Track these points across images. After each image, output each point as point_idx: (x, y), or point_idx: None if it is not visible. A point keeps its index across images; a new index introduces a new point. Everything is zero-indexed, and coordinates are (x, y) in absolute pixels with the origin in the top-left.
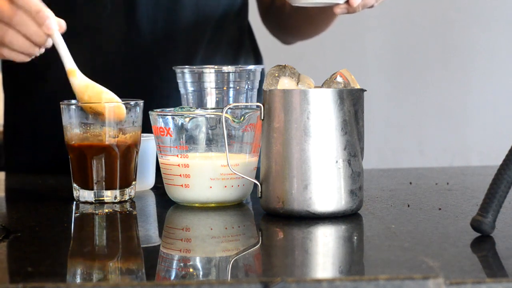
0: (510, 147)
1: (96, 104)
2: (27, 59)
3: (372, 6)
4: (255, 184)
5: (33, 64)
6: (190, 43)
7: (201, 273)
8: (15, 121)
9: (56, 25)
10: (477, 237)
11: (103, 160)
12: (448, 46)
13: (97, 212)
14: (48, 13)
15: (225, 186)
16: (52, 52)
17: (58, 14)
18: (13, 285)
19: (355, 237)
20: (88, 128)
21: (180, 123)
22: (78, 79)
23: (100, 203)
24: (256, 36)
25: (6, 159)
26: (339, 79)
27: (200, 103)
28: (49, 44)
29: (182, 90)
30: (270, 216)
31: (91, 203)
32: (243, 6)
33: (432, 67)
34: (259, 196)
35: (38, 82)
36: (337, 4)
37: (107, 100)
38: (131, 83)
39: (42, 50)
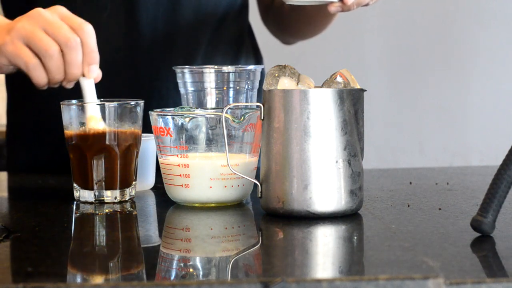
0: (510, 147)
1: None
2: (43, 83)
3: (367, 4)
4: (255, 184)
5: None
6: (190, 43)
7: (201, 273)
8: (17, 121)
9: (96, 73)
10: (477, 237)
11: (103, 160)
12: (448, 46)
13: (97, 212)
14: (98, 59)
15: (225, 186)
16: None
17: None
18: (13, 285)
19: (355, 237)
20: (88, 128)
21: (180, 123)
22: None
23: (100, 203)
24: (256, 36)
25: (8, 158)
26: (339, 79)
27: (200, 103)
28: (70, 85)
29: (182, 90)
30: (270, 216)
31: (91, 203)
32: (243, 6)
33: (432, 67)
34: (259, 196)
35: None
36: (331, 3)
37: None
38: (131, 83)
39: (58, 84)
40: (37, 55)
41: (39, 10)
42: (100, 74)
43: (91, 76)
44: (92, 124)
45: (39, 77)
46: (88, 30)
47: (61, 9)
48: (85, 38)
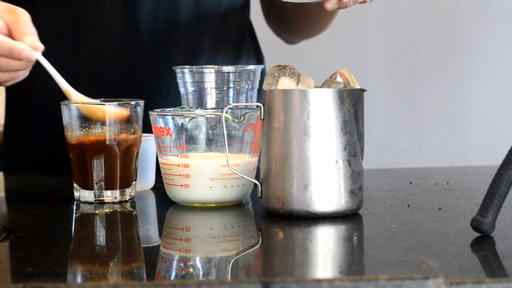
0: (510, 147)
1: (96, 107)
2: (19, 80)
3: (364, 2)
4: (255, 184)
5: (34, 64)
6: (190, 42)
7: (201, 273)
8: (16, 120)
9: (33, 53)
10: (477, 237)
11: (104, 160)
12: (448, 46)
13: (97, 212)
14: (21, 46)
15: (225, 186)
16: None
17: (57, 14)
18: (13, 285)
19: (355, 237)
20: (88, 128)
21: (180, 123)
22: (73, 99)
23: (100, 203)
24: (257, 35)
25: (5, 158)
26: (339, 79)
27: (200, 103)
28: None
29: (182, 90)
30: (270, 216)
31: (91, 203)
32: (244, 6)
33: (432, 67)
34: (259, 196)
35: (40, 81)
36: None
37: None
38: (131, 83)
39: (30, 67)
40: None
41: None
42: (39, 46)
43: (30, 59)
44: (72, 97)
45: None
46: None
47: None
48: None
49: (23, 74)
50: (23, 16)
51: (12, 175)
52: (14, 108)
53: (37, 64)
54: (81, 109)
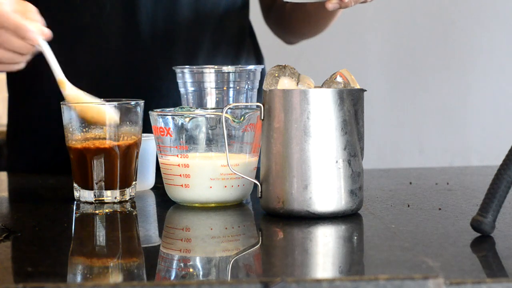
0: (510, 147)
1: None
2: (16, 68)
3: (365, 1)
4: (255, 184)
5: (36, 64)
6: (190, 43)
7: (201, 273)
8: (18, 121)
9: (39, 36)
10: (477, 237)
11: (104, 160)
12: (448, 46)
13: (97, 212)
14: (28, 25)
15: (225, 186)
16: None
17: (57, 14)
18: (13, 285)
19: (355, 237)
20: (88, 128)
21: (180, 123)
22: (67, 91)
23: (100, 203)
24: (257, 35)
25: (8, 158)
26: (339, 79)
27: (200, 103)
28: (35, 50)
29: (182, 90)
30: (270, 216)
31: (91, 203)
32: (243, 6)
33: (432, 67)
34: (259, 196)
35: (41, 81)
36: None
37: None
38: (131, 83)
39: (29, 57)
40: None
41: None
42: (44, 30)
43: (36, 43)
44: (66, 89)
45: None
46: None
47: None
48: (3, 24)
49: (21, 62)
50: (32, 7)
51: (12, 175)
52: (16, 108)
53: (39, 64)
54: (78, 111)
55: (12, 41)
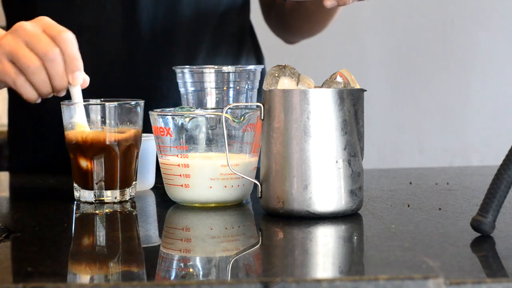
0: (510, 147)
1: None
2: (34, 98)
3: None
4: (255, 184)
5: None
6: (190, 42)
7: (201, 273)
8: (18, 121)
9: (81, 80)
10: (477, 237)
11: (104, 160)
12: (448, 46)
13: (97, 212)
14: (81, 65)
15: (225, 186)
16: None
17: (57, 14)
18: (13, 285)
19: (355, 237)
20: (88, 128)
21: (180, 123)
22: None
23: (100, 203)
24: (257, 35)
25: (9, 158)
26: (339, 79)
27: (200, 103)
28: (62, 94)
29: (182, 90)
30: (270, 216)
31: (91, 203)
32: (244, 5)
33: (432, 67)
34: (259, 196)
35: None
36: None
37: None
38: (131, 83)
39: (50, 95)
40: (22, 71)
41: (22, 23)
42: (87, 80)
43: (76, 84)
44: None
45: (28, 93)
46: (67, 38)
47: (43, 20)
48: (65, 47)
49: (45, 95)
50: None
51: (12, 175)
52: (16, 108)
53: None
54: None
55: (57, 65)
